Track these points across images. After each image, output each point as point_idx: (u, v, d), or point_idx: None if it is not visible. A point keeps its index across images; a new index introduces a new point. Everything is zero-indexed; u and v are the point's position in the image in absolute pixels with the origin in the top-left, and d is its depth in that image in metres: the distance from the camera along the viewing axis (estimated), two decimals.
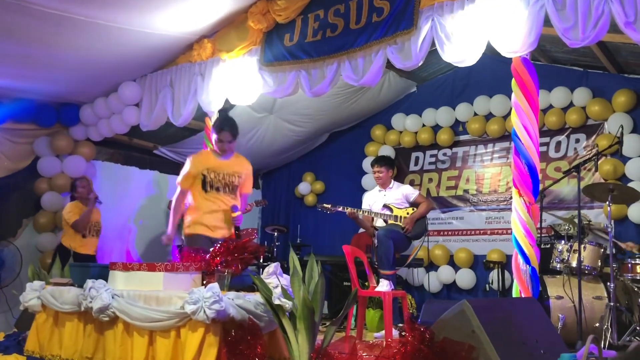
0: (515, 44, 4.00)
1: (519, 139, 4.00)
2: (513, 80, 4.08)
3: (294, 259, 3.04)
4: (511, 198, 6.95)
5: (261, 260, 6.66)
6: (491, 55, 6.41)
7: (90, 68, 5.88)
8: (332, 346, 3.08)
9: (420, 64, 4.61)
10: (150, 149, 7.46)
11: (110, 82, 6.27)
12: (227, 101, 5.65)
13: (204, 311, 2.90)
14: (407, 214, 5.49)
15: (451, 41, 4.34)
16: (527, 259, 3.90)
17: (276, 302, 2.98)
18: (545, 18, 3.91)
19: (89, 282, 3.38)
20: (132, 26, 5.26)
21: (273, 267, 3.27)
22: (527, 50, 3.99)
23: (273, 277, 3.18)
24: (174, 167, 7.84)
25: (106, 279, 3.50)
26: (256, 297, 3.21)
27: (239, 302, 3.08)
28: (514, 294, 3.99)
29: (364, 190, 7.41)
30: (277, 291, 3.04)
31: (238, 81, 5.52)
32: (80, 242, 6.01)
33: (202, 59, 5.77)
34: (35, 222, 6.51)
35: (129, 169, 7.34)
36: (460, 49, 4.31)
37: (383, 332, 4.81)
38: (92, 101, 6.58)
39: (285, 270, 3.56)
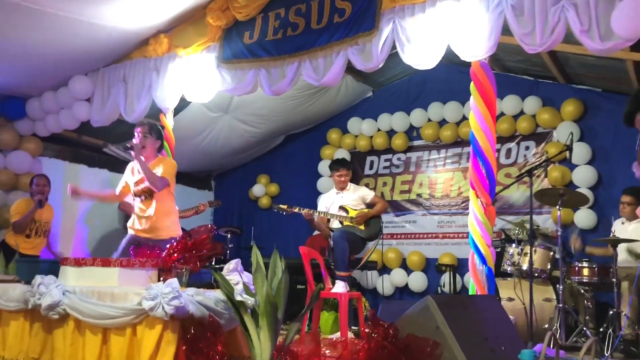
0: (475, 48, 4.07)
1: (477, 141, 4.07)
2: (472, 84, 4.14)
3: (257, 255, 2.98)
4: (462, 203, 7.13)
5: (213, 262, 6.52)
6: (446, 63, 6.53)
7: (38, 60, 5.63)
8: (291, 345, 3.02)
9: (381, 66, 4.64)
10: (99, 146, 7.22)
11: (60, 75, 6.02)
12: (182, 98, 5.54)
13: (163, 307, 2.79)
14: None
15: (412, 43, 4.38)
16: (483, 259, 3.96)
17: (238, 298, 2.91)
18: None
19: (38, 278, 3.20)
20: (84, 17, 5.07)
21: (234, 263, 3.20)
22: (486, 54, 4.06)
23: (234, 273, 3.11)
24: (124, 166, 7.61)
25: (56, 275, 3.33)
26: (216, 294, 3.13)
27: (198, 299, 2.99)
28: (470, 293, 4.05)
29: (319, 193, 7.39)
30: (239, 287, 2.97)
31: (195, 78, 5.42)
32: (25, 242, 5.73)
33: (157, 54, 5.64)
34: None
35: (77, 167, 7.07)
36: (421, 51, 4.36)
37: (338, 334, 4.78)
38: (39, 95, 6.31)
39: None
